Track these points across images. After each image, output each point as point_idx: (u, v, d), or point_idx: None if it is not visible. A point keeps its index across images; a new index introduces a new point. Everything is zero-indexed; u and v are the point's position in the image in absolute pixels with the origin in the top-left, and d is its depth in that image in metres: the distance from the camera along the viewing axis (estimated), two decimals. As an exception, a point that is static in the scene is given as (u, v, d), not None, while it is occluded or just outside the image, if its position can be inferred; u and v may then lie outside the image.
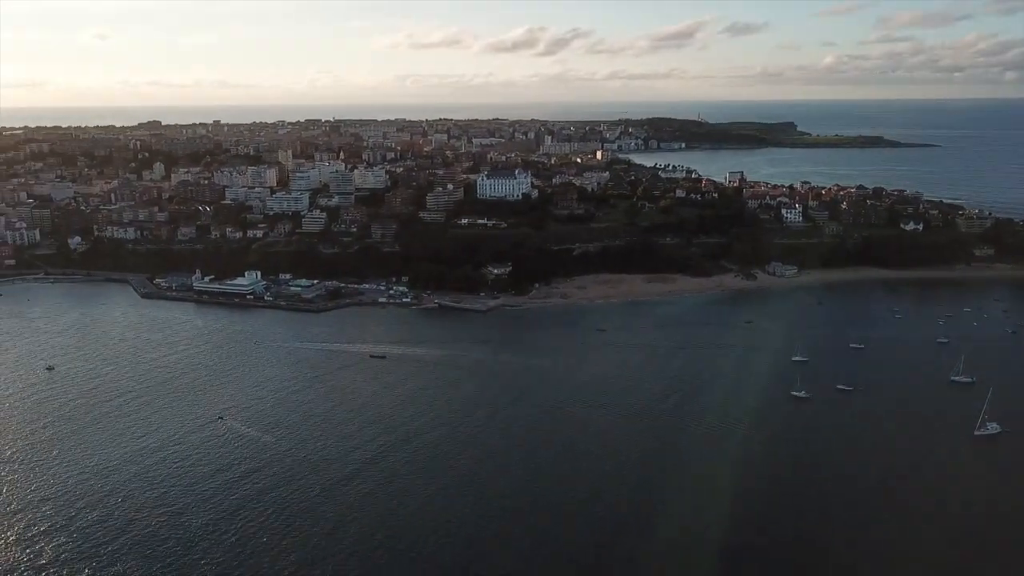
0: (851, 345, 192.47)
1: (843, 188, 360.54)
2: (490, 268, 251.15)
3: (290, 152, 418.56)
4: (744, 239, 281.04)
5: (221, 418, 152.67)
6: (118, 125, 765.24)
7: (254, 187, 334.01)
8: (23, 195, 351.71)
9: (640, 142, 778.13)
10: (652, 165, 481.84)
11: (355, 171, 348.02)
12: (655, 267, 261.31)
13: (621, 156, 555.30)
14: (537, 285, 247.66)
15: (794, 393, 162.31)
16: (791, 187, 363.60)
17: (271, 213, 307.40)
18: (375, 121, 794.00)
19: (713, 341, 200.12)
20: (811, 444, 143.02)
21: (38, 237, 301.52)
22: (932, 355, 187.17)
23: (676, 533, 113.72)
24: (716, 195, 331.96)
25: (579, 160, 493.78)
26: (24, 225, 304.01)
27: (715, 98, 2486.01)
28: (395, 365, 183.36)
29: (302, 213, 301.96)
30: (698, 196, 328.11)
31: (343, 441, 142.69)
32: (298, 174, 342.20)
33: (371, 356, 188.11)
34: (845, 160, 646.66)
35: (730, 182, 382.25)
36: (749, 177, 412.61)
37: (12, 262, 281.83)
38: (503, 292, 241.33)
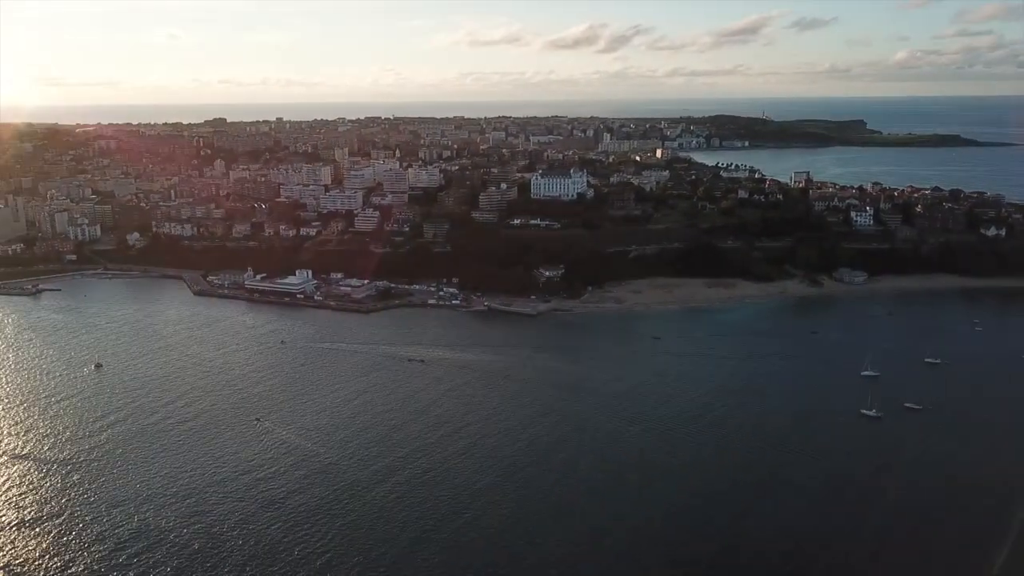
0: (926, 360, 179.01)
1: (917, 189, 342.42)
2: (542, 270, 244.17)
3: (346, 150, 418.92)
4: (810, 243, 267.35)
5: (258, 419, 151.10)
6: (186, 122, 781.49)
7: (309, 185, 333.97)
8: (88, 191, 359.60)
9: (702, 140, 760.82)
10: (714, 164, 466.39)
11: (409, 170, 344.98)
12: (715, 271, 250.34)
13: (682, 154, 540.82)
14: (590, 288, 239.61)
15: (864, 412, 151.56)
16: (861, 188, 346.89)
17: (325, 211, 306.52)
18: (433, 119, 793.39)
19: (776, 352, 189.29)
20: (885, 473, 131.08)
21: (99, 232, 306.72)
22: (1019, 372, 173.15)
23: None
24: (781, 196, 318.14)
25: (638, 158, 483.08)
26: (86, 221, 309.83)
27: (780, 95, 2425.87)
28: (431, 370, 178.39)
29: (355, 212, 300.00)
30: (761, 197, 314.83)
31: (364, 449, 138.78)
32: (353, 172, 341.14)
33: (409, 360, 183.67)
34: (919, 160, 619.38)
35: (796, 182, 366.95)
36: (816, 177, 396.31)
37: (73, 257, 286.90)
38: (554, 295, 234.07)
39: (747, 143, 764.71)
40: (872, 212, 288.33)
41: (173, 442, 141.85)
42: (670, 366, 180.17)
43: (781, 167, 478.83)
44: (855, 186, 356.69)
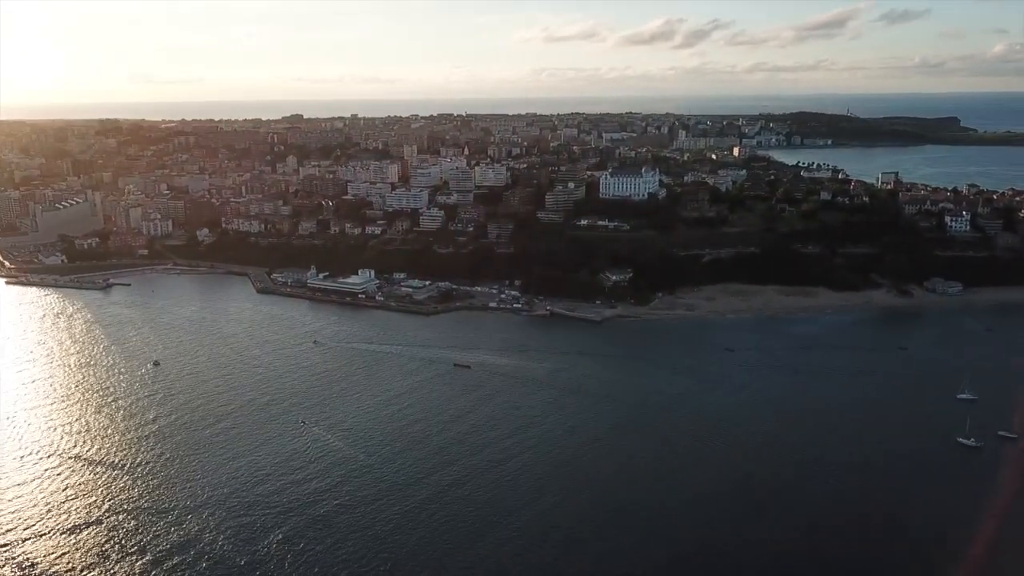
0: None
1: (1019, 192, 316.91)
2: (608, 274, 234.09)
3: (415, 147, 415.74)
4: (899, 250, 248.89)
5: (304, 422, 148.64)
6: (265, 118, 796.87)
7: (376, 183, 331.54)
8: (163, 187, 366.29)
9: (782, 138, 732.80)
10: (794, 163, 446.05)
11: (476, 168, 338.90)
12: (794, 279, 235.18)
13: (760, 153, 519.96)
14: (660, 294, 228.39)
15: (960, 440, 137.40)
16: (955, 191, 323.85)
17: (390, 210, 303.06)
18: (505, 115, 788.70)
19: (861, 369, 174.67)
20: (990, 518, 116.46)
21: (170, 228, 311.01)
22: None
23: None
24: (867, 199, 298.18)
25: (714, 157, 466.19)
26: (158, 216, 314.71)
27: (867, 91, 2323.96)
28: (476, 377, 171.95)
29: (420, 211, 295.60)
30: (846, 199, 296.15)
31: (414, 464, 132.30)
32: (419, 171, 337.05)
33: (455, 365, 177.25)
34: (1019, 160, 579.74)
35: (883, 184, 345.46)
36: (905, 178, 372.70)
37: (145, 252, 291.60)
38: (621, 301, 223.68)
39: (830, 141, 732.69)
40: (968, 217, 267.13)
41: (220, 448, 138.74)
42: (744, 382, 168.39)
43: (867, 167, 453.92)
44: (949, 188, 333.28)
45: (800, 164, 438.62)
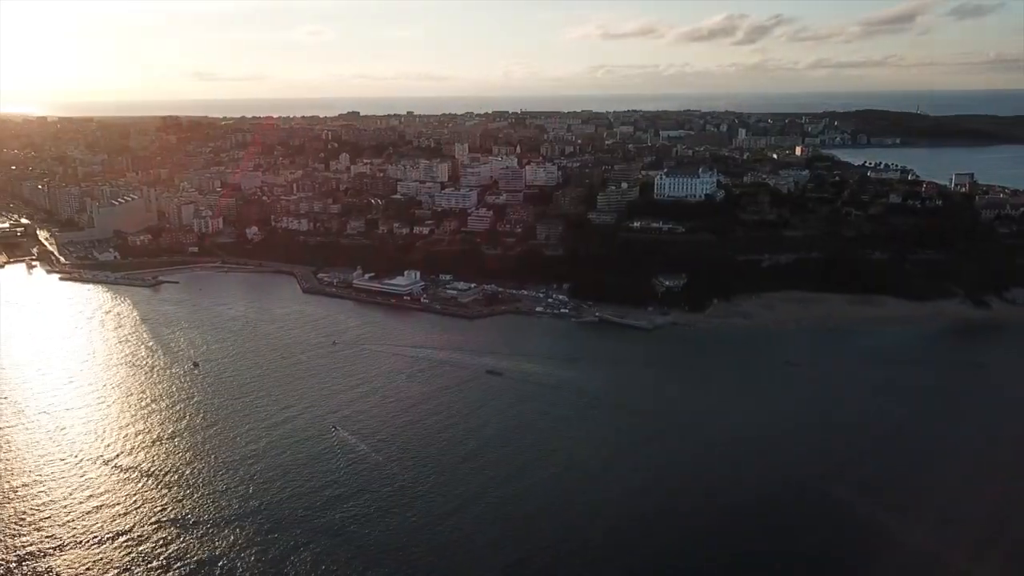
0: None
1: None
2: (662, 279, 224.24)
3: (466, 146, 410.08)
4: (974, 257, 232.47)
5: (335, 428, 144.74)
6: (322, 115, 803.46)
7: (425, 182, 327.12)
8: (217, 183, 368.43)
9: (847, 136, 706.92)
10: (860, 163, 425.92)
11: (527, 167, 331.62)
12: (860, 287, 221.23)
13: (824, 152, 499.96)
14: (715, 301, 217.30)
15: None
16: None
17: (439, 209, 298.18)
18: (560, 113, 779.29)
19: (933, 387, 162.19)
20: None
21: (221, 225, 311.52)
22: None
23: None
24: (939, 202, 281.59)
25: (775, 156, 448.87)
26: (210, 213, 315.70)
27: (938, 87, 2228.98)
28: (506, 384, 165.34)
29: (469, 211, 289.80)
30: (917, 202, 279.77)
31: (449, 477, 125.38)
32: (469, 170, 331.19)
33: (487, 372, 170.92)
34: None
35: (957, 186, 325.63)
36: (981, 180, 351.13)
37: (195, 249, 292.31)
38: (675, 307, 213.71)
39: (898, 140, 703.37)
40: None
41: (250, 456, 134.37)
42: (808, 400, 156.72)
43: (938, 167, 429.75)
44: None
45: (866, 164, 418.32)
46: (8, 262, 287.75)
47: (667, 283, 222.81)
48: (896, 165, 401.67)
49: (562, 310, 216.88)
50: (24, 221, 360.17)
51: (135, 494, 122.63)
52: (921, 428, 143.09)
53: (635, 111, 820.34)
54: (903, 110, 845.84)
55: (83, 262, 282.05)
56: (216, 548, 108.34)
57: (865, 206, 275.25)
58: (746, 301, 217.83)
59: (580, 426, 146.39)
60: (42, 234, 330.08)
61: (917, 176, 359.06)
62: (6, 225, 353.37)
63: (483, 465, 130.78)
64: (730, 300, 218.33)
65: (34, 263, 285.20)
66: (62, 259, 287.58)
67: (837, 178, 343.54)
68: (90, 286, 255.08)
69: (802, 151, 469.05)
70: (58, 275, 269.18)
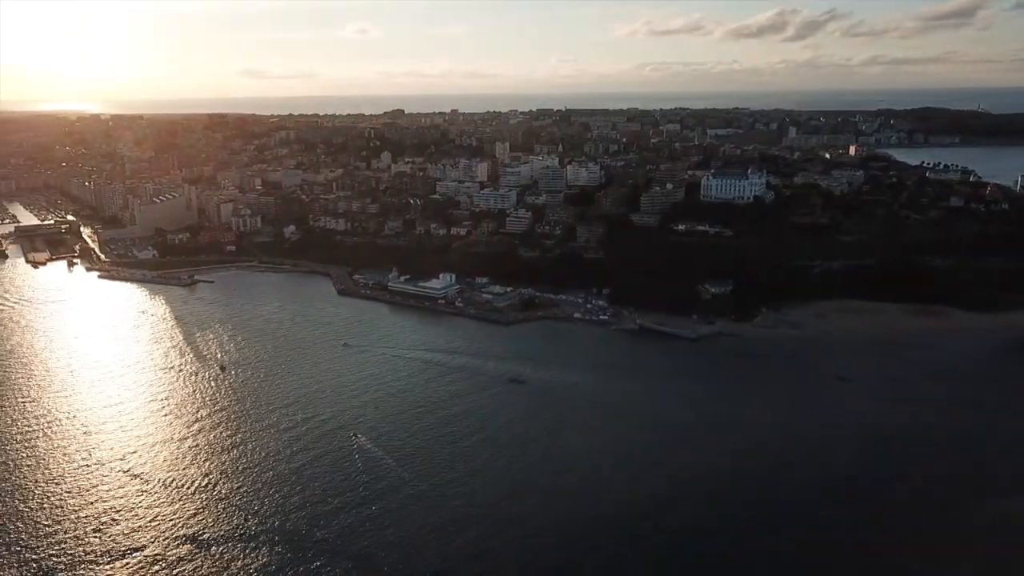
0: None
1: None
2: (707, 285, 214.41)
3: (508, 144, 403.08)
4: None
5: (355, 435, 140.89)
6: (368, 113, 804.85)
7: (464, 182, 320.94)
8: (257, 182, 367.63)
9: (903, 136, 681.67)
10: (918, 164, 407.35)
11: (568, 166, 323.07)
12: (919, 295, 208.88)
13: (879, 152, 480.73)
14: (763, 310, 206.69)
15: None
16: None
17: (477, 210, 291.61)
18: (606, 111, 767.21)
19: (1005, 407, 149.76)
20: None
21: (259, 224, 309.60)
22: None
23: None
24: (1005, 205, 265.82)
25: (827, 156, 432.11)
26: (248, 211, 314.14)
27: (1000, 84, 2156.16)
28: (528, 392, 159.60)
29: (507, 211, 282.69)
30: (980, 205, 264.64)
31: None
32: (508, 169, 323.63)
33: (510, 380, 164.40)
34: None
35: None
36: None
37: (233, 248, 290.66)
38: (720, 316, 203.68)
39: (958, 139, 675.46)
40: None
41: (269, 468, 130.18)
42: (862, 421, 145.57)
43: (1002, 168, 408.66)
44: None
45: (925, 164, 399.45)
46: (51, 259, 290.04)
47: (712, 290, 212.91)
48: (956, 166, 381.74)
49: (601, 316, 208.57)
50: (69, 218, 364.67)
51: (151, 506, 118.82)
52: (999, 458, 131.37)
53: (682, 109, 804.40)
54: (963, 108, 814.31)
55: (122, 260, 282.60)
56: (228, 572, 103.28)
57: (924, 209, 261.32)
58: (796, 310, 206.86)
59: (604, 439, 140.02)
60: (86, 231, 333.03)
61: (979, 177, 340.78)
62: (51, 222, 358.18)
63: (499, 486, 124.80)
64: (779, 309, 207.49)
65: (75, 260, 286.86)
66: (102, 256, 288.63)
67: (894, 179, 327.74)
68: (127, 284, 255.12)
69: (856, 150, 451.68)
70: (97, 273, 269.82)
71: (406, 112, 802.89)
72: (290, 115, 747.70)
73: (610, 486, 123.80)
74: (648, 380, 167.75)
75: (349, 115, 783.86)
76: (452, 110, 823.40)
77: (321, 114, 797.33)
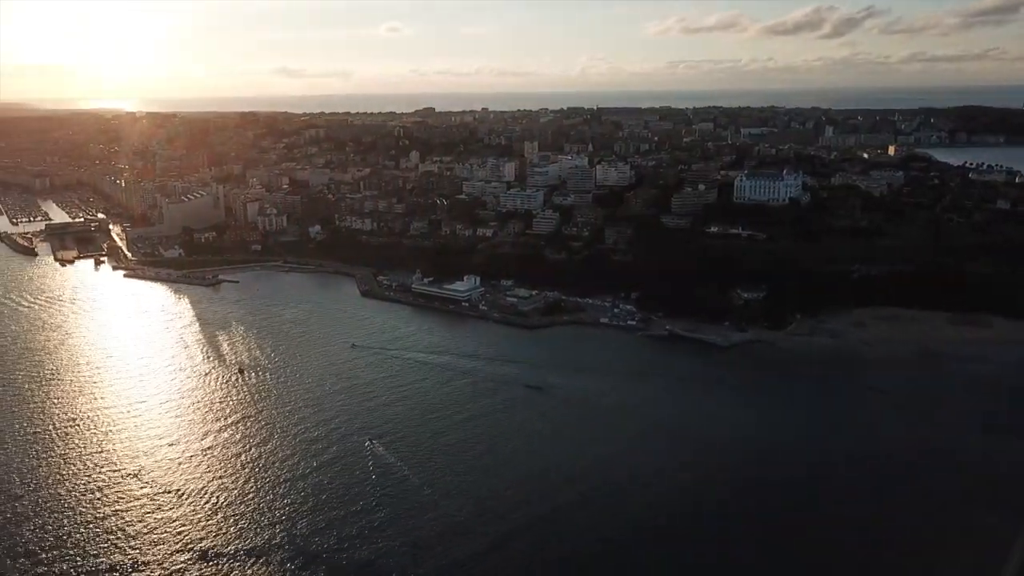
0: None
1: None
2: (740, 291, 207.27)
3: (536, 144, 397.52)
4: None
5: (371, 440, 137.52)
6: (399, 111, 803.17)
7: (491, 182, 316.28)
8: (284, 180, 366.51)
9: (944, 135, 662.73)
10: (961, 164, 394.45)
11: (598, 166, 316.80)
12: (963, 303, 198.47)
13: (920, 152, 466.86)
14: (799, 317, 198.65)
15: None
16: None
17: (503, 210, 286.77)
18: (638, 109, 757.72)
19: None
20: None
21: (285, 223, 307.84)
22: None
23: None
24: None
25: (866, 156, 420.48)
26: (275, 211, 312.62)
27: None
28: (549, 399, 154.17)
29: (534, 212, 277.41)
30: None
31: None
32: (536, 169, 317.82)
33: (527, 386, 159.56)
34: None
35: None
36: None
37: (258, 247, 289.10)
38: (753, 323, 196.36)
39: (1002, 139, 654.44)
40: None
41: (283, 477, 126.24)
42: (902, 441, 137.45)
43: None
44: None
45: (968, 165, 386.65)
46: (79, 257, 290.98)
47: (746, 296, 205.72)
48: (1001, 166, 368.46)
49: (629, 322, 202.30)
50: (100, 216, 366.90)
51: (160, 517, 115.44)
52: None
53: (715, 107, 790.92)
54: (1008, 106, 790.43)
55: (149, 258, 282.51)
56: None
57: (968, 212, 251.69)
58: (833, 317, 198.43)
59: (625, 449, 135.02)
60: (115, 229, 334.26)
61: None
62: (82, 220, 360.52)
63: (508, 493, 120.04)
64: (815, 316, 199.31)
65: (102, 259, 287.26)
66: (129, 255, 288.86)
67: (935, 180, 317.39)
68: (152, 284, 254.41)
69: (895, 150, 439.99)
70: (123, 272, 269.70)
71: (437, 110, 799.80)
72: (320, 113, 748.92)
73: (627, 498, 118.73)
74: (677, 389, 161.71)
75: (380, 113, 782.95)
76: (482, 108, 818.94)
77: (352, 112, 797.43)
